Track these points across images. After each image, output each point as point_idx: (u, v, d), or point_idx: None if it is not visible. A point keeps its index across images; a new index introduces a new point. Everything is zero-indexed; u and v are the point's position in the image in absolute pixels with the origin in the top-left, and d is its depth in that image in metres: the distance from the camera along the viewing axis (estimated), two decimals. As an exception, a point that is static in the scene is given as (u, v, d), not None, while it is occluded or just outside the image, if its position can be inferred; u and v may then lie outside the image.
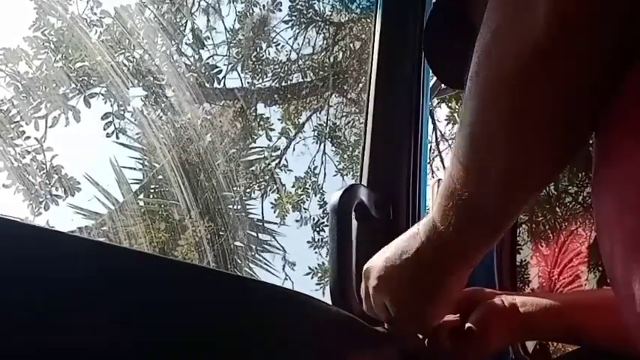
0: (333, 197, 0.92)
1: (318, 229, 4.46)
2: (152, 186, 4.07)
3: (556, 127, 0.46)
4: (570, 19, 0.41)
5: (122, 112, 4.09)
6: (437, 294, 0.66)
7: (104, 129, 4.02)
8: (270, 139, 4.46)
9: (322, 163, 4.61)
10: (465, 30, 0.67)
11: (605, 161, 0.46)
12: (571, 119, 0.46)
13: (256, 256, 4.16)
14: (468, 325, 0.74)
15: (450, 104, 4.73)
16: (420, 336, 0.77)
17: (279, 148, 4.56)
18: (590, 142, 0.50)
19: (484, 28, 0.47)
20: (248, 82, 4.54)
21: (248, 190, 4.30)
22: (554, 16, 0.41)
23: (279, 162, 4.56)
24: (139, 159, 4.14)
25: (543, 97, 0.45)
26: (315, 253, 4.43)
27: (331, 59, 4.60)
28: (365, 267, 0.71)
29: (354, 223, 0.95)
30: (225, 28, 4.53)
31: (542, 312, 0.73)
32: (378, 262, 0.69)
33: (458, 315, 0.76)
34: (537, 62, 0.43)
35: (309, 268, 4.34)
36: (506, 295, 0.77)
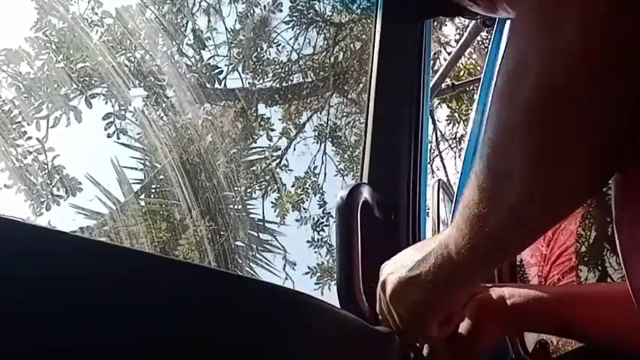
0: (339, 195, 0.91)
1: (318, 229, 4.47)
2: (153, 186, 4.08)
3: (582, 161, 0.44)
4: (608, 50, 0.38)
5: (123, 113, 4.10)
6: (447, 304, 0.67)
7: (105, 129, 4.03)
8: (270, 140, 4.48)
9: (322, 163, 4.62)
10: None
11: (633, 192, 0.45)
12: (600, 153, 0.43)
13: (257, 255, 4.17)
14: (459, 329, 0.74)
15: (450, 104, 4.73)
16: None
17: (280, 148, 4.57)
18: None
19: (508, 53, 0.44)
20: (249, 83, 4.56)
21: (249, 190, 4.31)
22: (590, 48, 0.39)
23: (280, 162, 4.57)
24: (140, 159, 4.15)
25: (575, 129, 0.42)
26: (315, 252, 4.44)
27: (332, 60, 4.61)
28: (381, 279, 0.71)
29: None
30: (226, 29, 4.55)
31: (531, 303, 0.73)
32: (393, 275, 0.68)
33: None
34: (571, 94, 0.41)
35: (309, 267, 4.35)
36: (495, 287, 0.77)
